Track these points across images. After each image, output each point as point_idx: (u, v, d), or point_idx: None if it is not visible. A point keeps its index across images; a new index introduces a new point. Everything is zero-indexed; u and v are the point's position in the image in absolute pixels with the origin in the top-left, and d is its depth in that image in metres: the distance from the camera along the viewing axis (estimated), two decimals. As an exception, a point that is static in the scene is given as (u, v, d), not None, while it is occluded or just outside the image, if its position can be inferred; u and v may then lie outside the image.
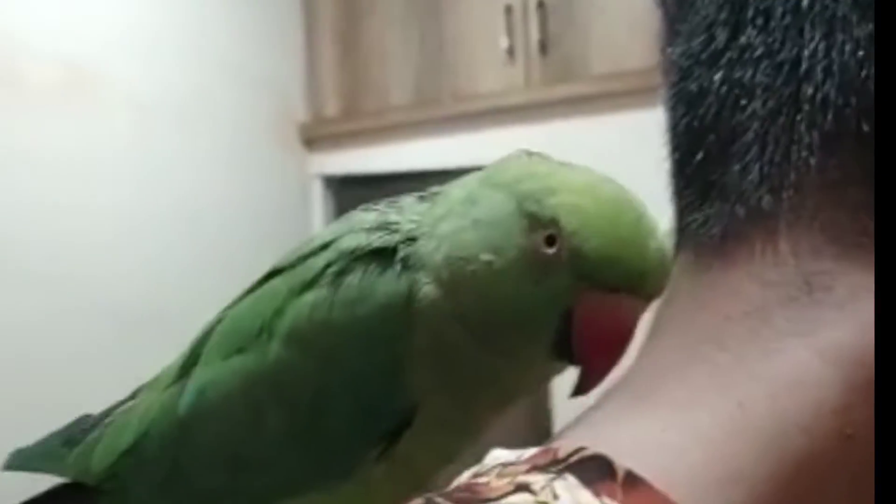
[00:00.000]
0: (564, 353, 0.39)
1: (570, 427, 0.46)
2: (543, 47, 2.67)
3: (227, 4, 3.18)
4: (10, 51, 2.78)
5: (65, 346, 2.81)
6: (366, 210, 0.43)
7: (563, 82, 2.64)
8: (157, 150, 3.01)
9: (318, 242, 0.43)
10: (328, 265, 0.41)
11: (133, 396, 0.49)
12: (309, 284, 0.41)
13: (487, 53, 2.79)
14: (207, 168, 3.10)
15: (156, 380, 0.47)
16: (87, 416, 0.51)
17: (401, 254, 0.40)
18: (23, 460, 0.52)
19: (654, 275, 0.38)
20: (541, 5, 2.67)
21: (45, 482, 0.53)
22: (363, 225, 0.42)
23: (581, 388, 0.39)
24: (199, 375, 0.44)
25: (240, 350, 0.43)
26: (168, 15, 3.07)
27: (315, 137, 3.30)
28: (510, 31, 2.72)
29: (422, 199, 0.43)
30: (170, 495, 0.45)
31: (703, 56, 0.43)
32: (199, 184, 3.08)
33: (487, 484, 0.45)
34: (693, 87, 0.43)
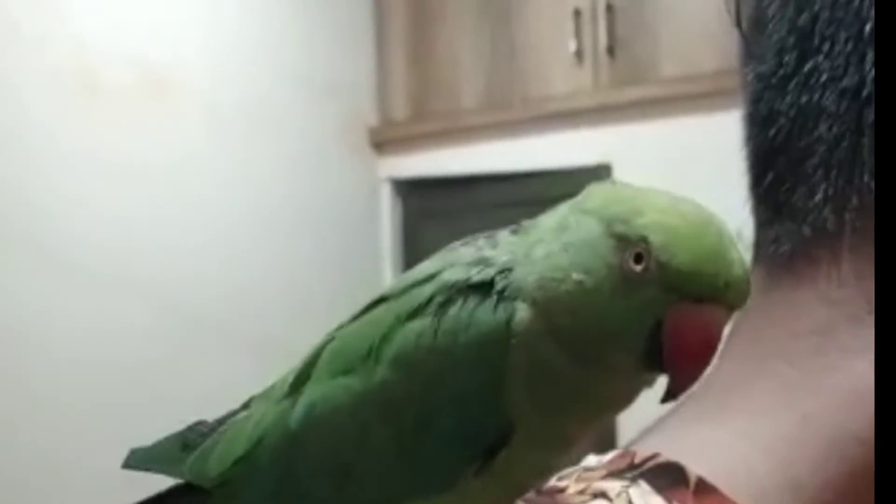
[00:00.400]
0: (655, 362, 0.41)
1: (647, 432, 0.49)
2: (611, 50, 2.67)
3: (298, 10, 3.22)
4: (87, 56, 2.84)
5: (137, 350, 2.86)
6: (465, 245, 0.46)
7: (631, 85, 2.64)
8: (229, 154, 3.05)
9: (422, 274, 0.46)
10: (433, 296, 0.44)
11: (246, 406, 0.52)
12: (415, 313, 0.44)
13: (556, 57, 2.80)
14: (278, 172, 3.14)
15: (268, 392, 0.50)
16: (202, 422, 0.54)
17: (497, 286, 0.43)
18: (141, 460, 0.56)
19: (736, 285, 0.41)
20: (609, 9, 2.68)
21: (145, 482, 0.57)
22: (463, 260, 0.45)
23: (671, 394, 0.42)
24: (310, 392, 0.47)
25: (348, 371, 0.46)
26: (241, 21, 3.11)
27: (384, 141, 3.33)
28: (578, 35, 2.72)
29: (514, 231, 0.45)
30: (279, 502, 0.48)
31: (774, 80, 0.45)
32: (270, 188, 3.12)
33: (566, 489, 0.48)
34: (764, 109, 0.45)
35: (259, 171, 3.09)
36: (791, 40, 0.45)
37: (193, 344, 2.92)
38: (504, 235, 0.45)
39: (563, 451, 0.45)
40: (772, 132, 0.45)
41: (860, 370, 0.43)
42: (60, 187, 2.76)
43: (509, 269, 0.43)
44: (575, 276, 0.42)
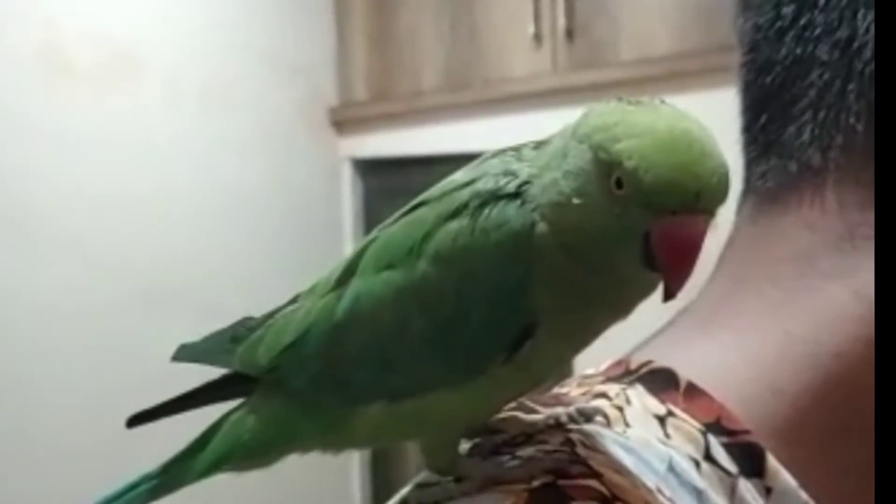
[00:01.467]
0: (653, 266, 0.45)
1: (640, 346, 0.55)
2: (570, 33, 2.69)
3: (259, -11, 3.22)
4: (55, 33, 2.83)
5: (100, 325, 2.86)
6: (494, 156, 0.50)
7: (589, 68, 2.66)
8: (191, 133, 3.06)
9: (458, 182, 0.50)
10: (469, 200, 0.48)
11: (293, 301, 0.56)
12: (453, 214, 0.48)
13: (515, 39, 2.82)
14: (239, 151, 3.14)
15: (313, 288, 0.55)
16: (249, 318, 0.58)
17: (522, 196, 0.47)
18: (191, 353, 0.60)
19: (708, 193, 0.44)
20: (569, -9, 2.69)
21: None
22: (494, 170, 0.49)
23: (667, 296, 0.45)
24: (356, 285, 0.51)
25: (391, 266, 0.50)
26: (204, 1, 3.11)
27: (345, 121, 3.34)
28: (537, 17, 2.74)
29: (535, 147, 0.49)
30: (323, 385, 0.52)
31: (771, 32, 0.50)
32: (231, 167, 3.12)
33: (568, 393, 0.54)
34: (761, 58, 0.51)
35: (220, 150, 3.10)
36: None
37: (156, 318, 2.93)
38: (527, 150, 0.49)
39: (581, 346, 0.49)
40: (768, 79, 0.50)
41: (836, 293, 0.48)
42: (28, 164, 2.76)
43: (529, 182, 0.48)
44: (575, 200, 0.46)
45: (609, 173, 0.45)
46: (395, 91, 3.18)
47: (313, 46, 3.30)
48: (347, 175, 3.36)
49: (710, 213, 0.44)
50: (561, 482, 0.45)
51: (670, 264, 0.44)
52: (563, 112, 2.90)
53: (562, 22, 2.69)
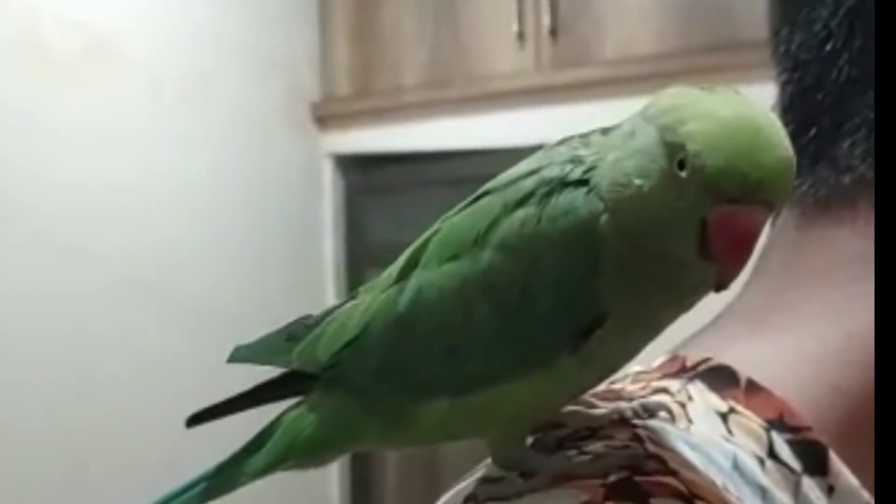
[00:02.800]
0: (707, 254, 0.44)
1: (687, 345, 0.54)
2: (554, 32, 2.69)
3: (242, -17, 3.20)
4: (36, 22, 2.81)
5: (73, 316, 2.85)
6: (562, 143, 0.49)
7: (573, 67, 2.66)
8: (171, 126, 3.04)
9: (524, 170, 0.49)
10: (535, 189, 0.47)
11: (353, 298, 0.55)
12: (520, 203, 0.48)
13: (499, 37, 2.81)
14: (219, 145, 3.13)
15: (374, 283, 0.53)
16: (307, 316, 0.57)
17: (588, 183, 0.46)
18: (246, 354, 0.58)
19: (770, 184, 0.43)
20: (553, -10, 2.69)
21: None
22: (560, 157, 0.48)
23: (719, 285, 0.45)
24: (419, 277, 0.50)
25: (455, 257, 0.49)
26: (184, -8, 3.10)
27: (326, 116, 3.33)
28: (521, 16, 2.74)
29: (604, 131, 0.49)
30: (386, 380, 0.51)
31: (823, 54, 0.51)
32: (210, 161, 3.11)
33: (623, 389, 0.54)
34: (810, 76, 0.52)
35: (200, 143, 3.09)
36: (841, 14, 0.51)
37: (134, 311, 2.92)
38: (596, 135, 0.49)
39: (648, 338, 0.49)
40: (818, 96, 0.51)
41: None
42: (2, 152, 2.74)
43: (595, 168, 0.47)
44: (636, 180, 0.45)
45: (673, 155, 0.44)
46: (378, 87, 3.17)
47: (295, 41, 3.29)
48: (328, 171, 3.35)
49: (770, 204, 0.43)
50: (637, 478, 0.45)
51: (725, 253, 0.43)
52: (546, 110, 2.90)
53: (545, 20, 2.69)
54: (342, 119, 3.29)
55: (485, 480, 0.50)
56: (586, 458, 0.48)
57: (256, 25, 3.22)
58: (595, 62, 2.62)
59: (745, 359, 0.51)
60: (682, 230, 0.44)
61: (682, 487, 0.44)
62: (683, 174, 0.43)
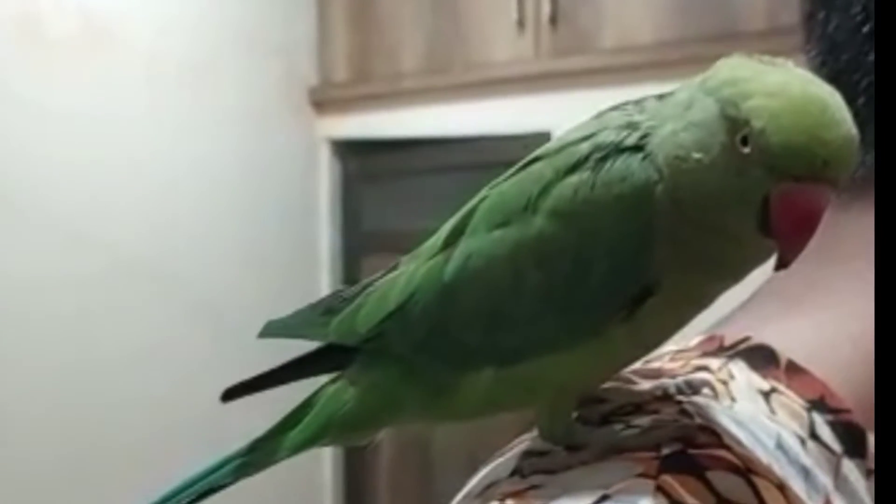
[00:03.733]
0: (768, 231, 0.43)
1: (723, 324, 0.54)
2: (553, 19, 2.68)
3: (241, -34, 3.19)
4: (34, 4, 2.81)
5: (72, 297, 2.84)
6: (615, 109, 0.48)
7: (572, 55, 2.65)
8: (170, 109, 3.03)
9: (577, 135, 0.48)
10: (589, 154, 0.46)
11: (394, 268, 0.54)
12: (573, 168, 0.47)
13: (498, 24, 2.80)
14: (217, 130, 3.12)
15: (416, 253, 0.52)
16: (342, 290, 0.56)
17: (644, 149, 0.45)
18: (281, 328, 0.57)
19: (836, 162, 0.42)
20: (553, -23, 2.69)
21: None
22: (614, 123, 0.47)
23: (781, 264, 0.44)
24: (466, 245, 0.49)
25: (505, 223, 0.48)
26: (182, -25, 3.09)
27: (324, 101, 3.32)
28: (521, 3, 2.73)
29: (659, 98, 0.48)
30: (430, 351, 0.50)
31: (859, 36, 0.50)
32: (208, 145, 3.10)
33: (662, 367, 0.52)
34: (845, 58, 0.51)
35: (198, 128, 3.08)
36: None
37: (131, 294, 2.92)
38: (651, 102, 0.48)
39: (697, 311, 0.48)
40: (855, 77, 0.50)
41: None
42: (2, 135, 2.74)
43: (651, 135, 0.46)
44: (695, 154, 0.44)
45: (735, 130, 0.43)
46: (376, 72, 3.16)
47: (294, 25, 3.28)
48: (325, 156, 3.34)
49: (834, 182, 0.43)
50: (691, 451, 0.44)
51: (788, 232, 0.43)
52: (545, 98, 2.89)
53: (545, 8, 2.68)
54: (340, 104, 3.29)
55: (530, 453, 0.49)
56: (635, 431, 0.47)
57: (255, 10, 3.21)
58: (594, 50, 2.62)
59: (784, 338, 0.50)
60: (743, 206, 0.43)
61: (737, 461, 0.44)
62: (746, 150, 0.43)
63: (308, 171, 3.32)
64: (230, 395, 0.58)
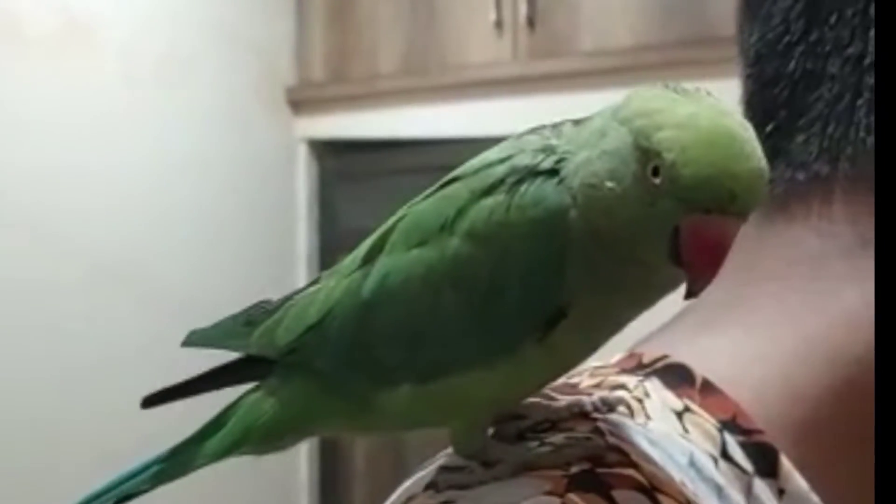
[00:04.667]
0: (678, 261, 0.44)
1: (645, 341, 0.54)
2: (531, 22, 2.69)
3: (219, -35, 3.19)
4: (11, 1, 2.79)
5: (46, 302, 2.83)
6: (533, 132, 0.49)
7: (550, 57, 2.66)
8: (147, 108, 3.02)
9: (494, 158, 0.49)
10: (505, 177, 0.47)
11: (315, 282, 0.54)
12: (488, 190, 0.47)
13: (476, 26, 2.81)
14: (194, 129, 3.11)
15: (337, 269, 0.53)
16: (266, 301, 0.56)
17: (559, 174, 0.46)
18: (201, 339, 0.58)
19: (744, 195, 0.43)
20: (531, -20, 2.69)
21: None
22: (531, 146, 0.48)
23: (690, 292, 0.45)
24: (384, 263, 0.50)
25: (422, 243, 0.49)
26: (160, -27, 3.08)
27: (302, 101, 3.31)
28: (498, 5, 2.74)
29: (575, 123, 0.48)
30: (348, 366, 0.51)
31: (779, 47, 0.51)
32: (185, 144, 3.09)
33: (580, 383, 0.53)
34: (769, 71, 0.51)
35: (174, 126, 3.07)
36: (798, 8, 0.50)
37: (109, 297, 2.90)
38: (567, 127, 0.48)
39: (610, 333, 0.49)
40: (775, 90, 0.51)
41: (853, 297, 0.48)
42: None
43: (566, 160, 0.46)
44: (608, 183, 0.45)
45: (646, 161, 0.43)
46: (354, 73, 3.16)
47: (272, 24, 3.27)
48: (303, 156, 3.34)
49: (743, 215, 0.43)
50: (599, 469, 0.45)
51: (696, 263, 0.43)
52: (522, 100, 2.90)
53: (523, 10, 2.69)
54: (317, 104, 3.28)
55: (445, 469, 0.50)
56: (548, 448, 0.48)
57: (233, 9, 3.20)
58: (572, 53, 2.62)
59: (702, 357, 0.51)
60: (654, 236, 0.44)
61: (643, 480, 0.45)
62: (657, 181, 0.43)
63: (285, 170, 3.32)
64: (151, 401, 0.59)
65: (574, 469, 0.45)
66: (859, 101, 0.49)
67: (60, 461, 2.81)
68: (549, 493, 0.44)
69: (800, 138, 0.50)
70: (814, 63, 0.50)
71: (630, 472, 0.45)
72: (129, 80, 2.98)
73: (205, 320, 0.59)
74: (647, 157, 0.43)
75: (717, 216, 0.43)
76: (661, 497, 0.44)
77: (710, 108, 0.44)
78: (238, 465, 0.58)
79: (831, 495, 0.48)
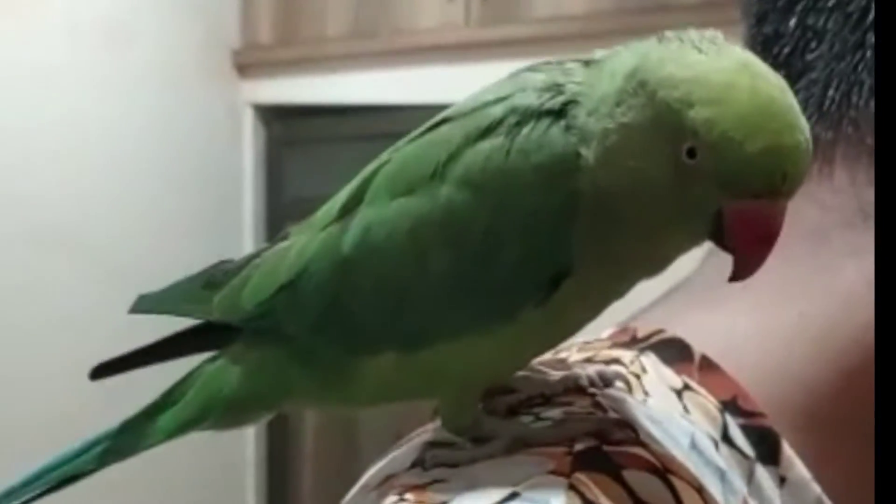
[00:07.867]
0: (720, 243, 0.41)
1: (642, 313, 0.51)
2: (484, -13, 2.66)
3: (163, -77, 3.12)
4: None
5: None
6: (533, 70, 0.44)
7: (502, 23, 2.64)
8: (89, 71, 2.96)
9: (489, 97, 0.44)
10: (504, 117, 0.42)
11: (283, 238, 0.49)
12: (485, 133, 0.42)
13: (428, -11, 2.77)
14: (137, 91, 3.05)
15: (309, 222, 0.48)
16: (227, 261, 0.51)
17: (567, 116, 0.41)
18: (153, 304, 0.52)
19: (794, 175, 0.39)
20: (484, -57, 2.66)
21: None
22: (534, 85, 0.43)
23: (736, 277, 0.41)
24: (365, 215, 0.45)
25: (408, 192, 0.43)
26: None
27: (248, 65, 3.26)
28: (451, -32, 2.70)
29: (586, 64, 0.43)
30: (324, 331, 0.46)
31: (780, 3, 0.49)
32: (128, 107, 3.03)
33: (568, 358, 0.50)
34: (768, 30, 0.49)
35: (117, 87, 3.01)
36: None
37: (45, 259, 2.84)
38: (575, 66, 0.43)
39: (614, 297, 0.44)
40: (775, 50, 0.49)
41: (853, 275, 0.47)
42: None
43: (577, 103, 0.42)
44: (630, 162, 0.40)
45: (678, 140, 0.39)
46: (301, 36, 3.11)
47: (217, -15, 3.21)
48: (249, 121, 3.29)
49: (792, 193, 0.40)
50: (606, 448, 0.41)
51: (747, 249, 0.40)
52: (474, 67, 2.86)
53: (475, -26, 2.65)
54: (264, 68, 3.23)
55: (432, 445, 0.46)
56: (546, 423, 0.44)
57: (178, -32, 3.14)
58: (525, 20, 2.60)
59: (698, 332, 0.48)
60: (689, 219, 0.40)
61: (655, 461, 0.41)
62: (693, 163, 0.39)
63: (231, 135, 3.27)
64: (99, 373, 0.53)
65: (579, 446, 0.41)
66: (861, 61, 0.46)
67: (2, 429, 2.75)
68: (554, 473, 0.40)
69: (799, 98, 0.46)
70: (814, 19, 0.47)
71: (640, 451, 0.41)
72: (73, 43, 2.91)
73: (147, 286, 0.54)
74: (678, 136, 0.39)
75: (767, 202, 0.39)
76: (675, 480, 0.41)
77: (742, 67, 0.40)
78: (182, 443, 0.52)
79: (830, 479, 0.46)
